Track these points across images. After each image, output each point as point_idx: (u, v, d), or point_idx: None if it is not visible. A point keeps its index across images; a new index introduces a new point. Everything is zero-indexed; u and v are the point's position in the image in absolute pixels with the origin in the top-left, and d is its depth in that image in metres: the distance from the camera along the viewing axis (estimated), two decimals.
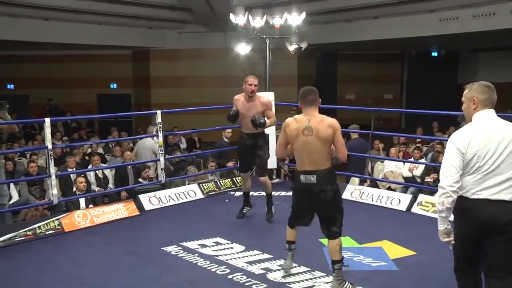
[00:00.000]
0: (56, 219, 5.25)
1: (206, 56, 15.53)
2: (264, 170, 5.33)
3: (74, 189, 6.49)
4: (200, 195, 6.49)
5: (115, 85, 17.16)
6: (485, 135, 2.72)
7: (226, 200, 6.39)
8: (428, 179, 6.83)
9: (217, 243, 4.69)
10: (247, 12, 8.40)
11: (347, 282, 3.62)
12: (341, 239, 3.68)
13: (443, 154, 7.41)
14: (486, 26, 10.99)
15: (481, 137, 2.72)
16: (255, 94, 5.08)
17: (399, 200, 6.03)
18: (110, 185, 7.36)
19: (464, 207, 2.76)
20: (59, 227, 5.19)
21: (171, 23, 14.86)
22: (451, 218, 2.84)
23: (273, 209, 5.42)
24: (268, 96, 7.16)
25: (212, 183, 6.76)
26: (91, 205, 6.16)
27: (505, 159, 2.69)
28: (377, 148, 8.66)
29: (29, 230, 4.99)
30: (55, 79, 16.25)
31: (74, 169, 6.95)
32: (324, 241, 4.27)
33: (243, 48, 10.07)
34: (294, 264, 4.03)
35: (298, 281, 3.85)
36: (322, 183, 3.51)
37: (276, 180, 7.56)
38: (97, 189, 7.04)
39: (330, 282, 3.80)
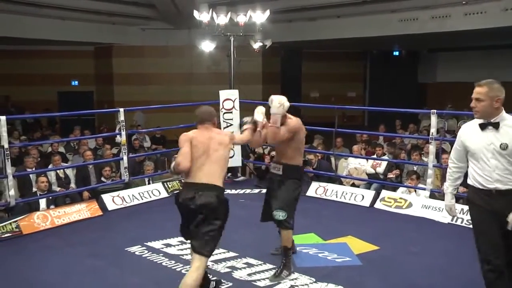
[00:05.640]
0: (14, 222, 5.05)
1: (170, 53, 15.33)
2: None
3: (35, 189, 6.26)
4: (164, 194, 6.42)
5: (76, 82, 16.68)
6: None
7: None
8: (390, 175, 7.00)
9: (182, 242, 4.62)
10: (211, 9, 8.37)
11: None
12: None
13: (405, 152, 7.64)
14: (443, 27, 11.44)
15: None
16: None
17: (362, 196, 6.17)
18: (72, 185, 7.15)
19: None
20: (17, 229, 5.00)
21: (135, 19, 14.60)
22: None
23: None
24: (230, 94, 7.20)
25: (177, 181, 6.66)
26: (52, 206, 5.97)
27: None
28: (339, 146, 8.80)
29: None
30: (12, 75, 15.61)
31: (33, 169, 6.71)
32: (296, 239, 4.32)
33: (207, 46, 9.99)
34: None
35: (263, 279, 3.87)
36: None
37: (241, 178, 7.57)
38: (58, 189, 6.82)
39: (295, 278, 3.85)
